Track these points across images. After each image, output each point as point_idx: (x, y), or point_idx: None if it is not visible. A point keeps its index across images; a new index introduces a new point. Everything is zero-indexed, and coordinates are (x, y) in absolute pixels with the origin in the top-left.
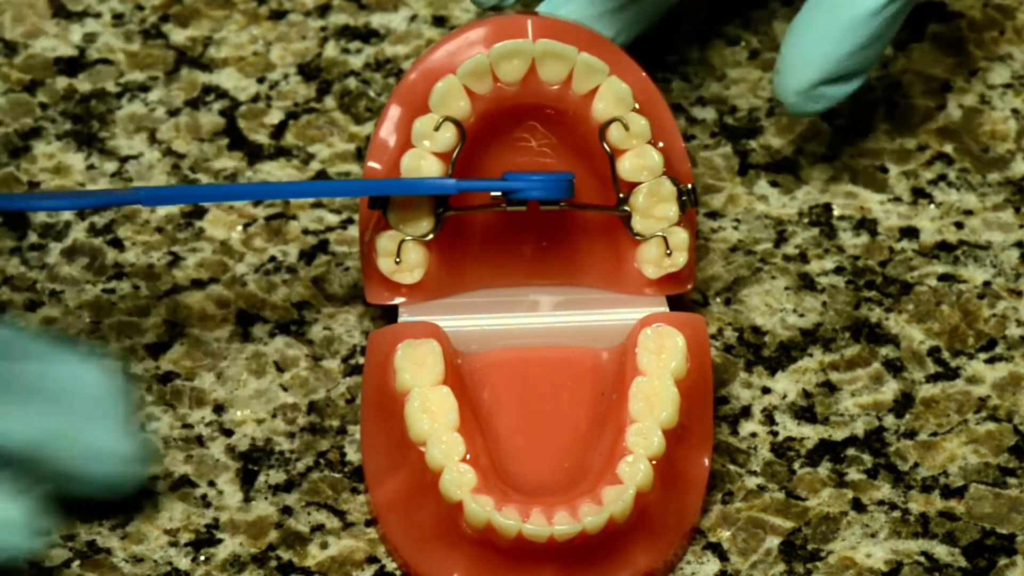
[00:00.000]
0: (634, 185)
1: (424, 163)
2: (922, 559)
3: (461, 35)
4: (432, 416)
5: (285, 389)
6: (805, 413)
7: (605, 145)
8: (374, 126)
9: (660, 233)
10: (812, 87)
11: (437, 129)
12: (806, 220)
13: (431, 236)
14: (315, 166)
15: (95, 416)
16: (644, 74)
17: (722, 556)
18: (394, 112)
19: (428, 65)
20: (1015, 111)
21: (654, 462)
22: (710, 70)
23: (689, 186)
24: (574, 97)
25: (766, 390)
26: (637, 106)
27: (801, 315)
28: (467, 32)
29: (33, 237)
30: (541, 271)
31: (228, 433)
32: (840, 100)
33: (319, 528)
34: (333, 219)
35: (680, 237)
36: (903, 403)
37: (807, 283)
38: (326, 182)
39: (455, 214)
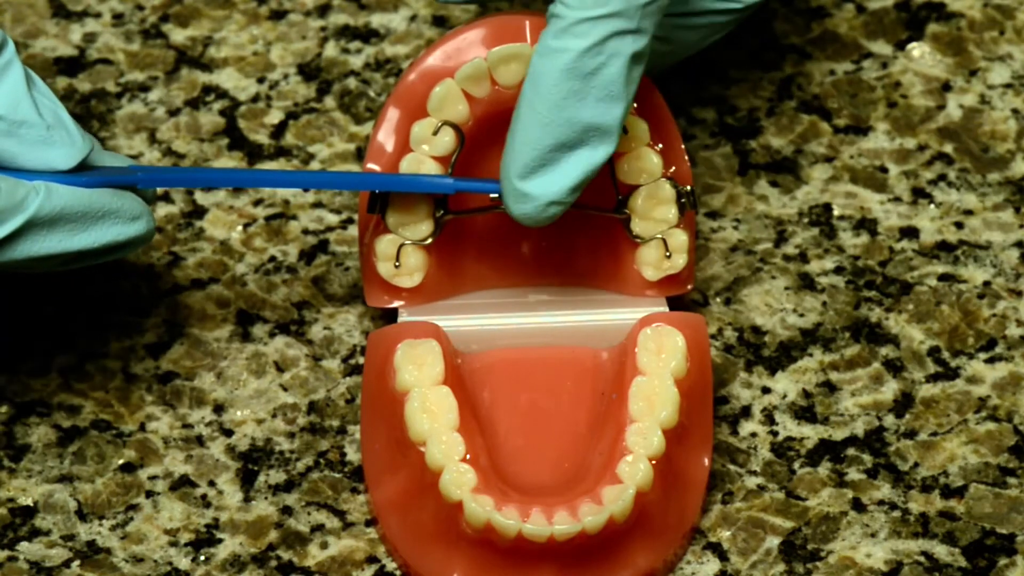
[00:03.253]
0: (633, 187)
1: (423, 167)
2: (922, 559)
3: (459, 35)
4: (432, 416)
5: (285, 389)
6: (805, 413)
7: None
8: (372, 128)
9: (659, 235)
10: (512, 185)
11: (435, 133)
12: (806, 220)
13: (430, 240)
14: (315, 166)
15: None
16: (648, 82)
17: (722, 556)
18: (392, 114)
19: (426, 67)
20: (1015, 111)
21: (654, 462)
22: (710, 70)
23: (688, 188)
24: None
25: (766, 390)
26: (635, 106)
27: (801, 315)
28: (464, 33)
29: None
30: (541, 271)
31: (228, 433)
32: (557, 200)
33: (319, 528)
34: (333, 219)
35: (679, 239)
36: (903, 403)
37: (807, 283)
38: (326, 172)
39: (454, 217)
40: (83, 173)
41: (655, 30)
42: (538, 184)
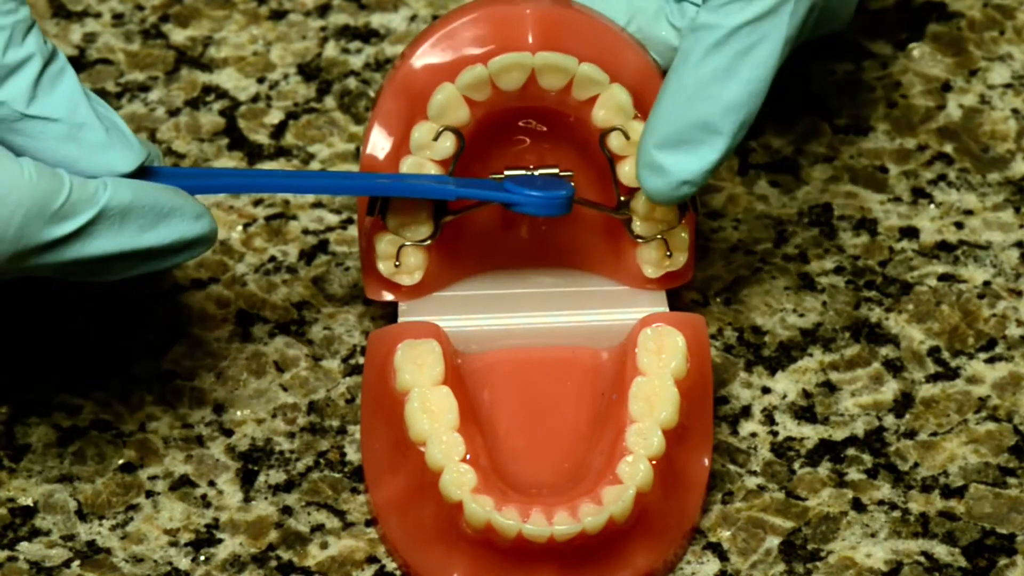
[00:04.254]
0: (635, 190)
1: (423, 171)
2: (922, 559)
3: (458, 20)
4: (432, 416)
5: (285, 389)
6: (805, 413)
7: (605, 151)
8: (370, 115)
9: (660, 236)
10: (648, 156)
11: (436, 139)
12: (806, 220)
13: (430, 241)
14: (315, 166)
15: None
16: (656, 71)
17: (722, 556)
18: (389, 105)
19: (423, 57)
20: (1015, 111)
21: (654, 462)
22: None
23: None
24: (574, 102)
25: (766, 390)
26: (638, 114)
27: (801, 315)
28: (464, 18)
29: None
30: (541, 254)
31: (228, 433)
32: (690, 180)
33: (319, 528)
34: (333, 219)
35: (680, 239)
36: (903, 403)
37: (807, 283)
38: (328, 176)
39: (454, 218)
40: None
41: (808, 12)
42: (675, 160)
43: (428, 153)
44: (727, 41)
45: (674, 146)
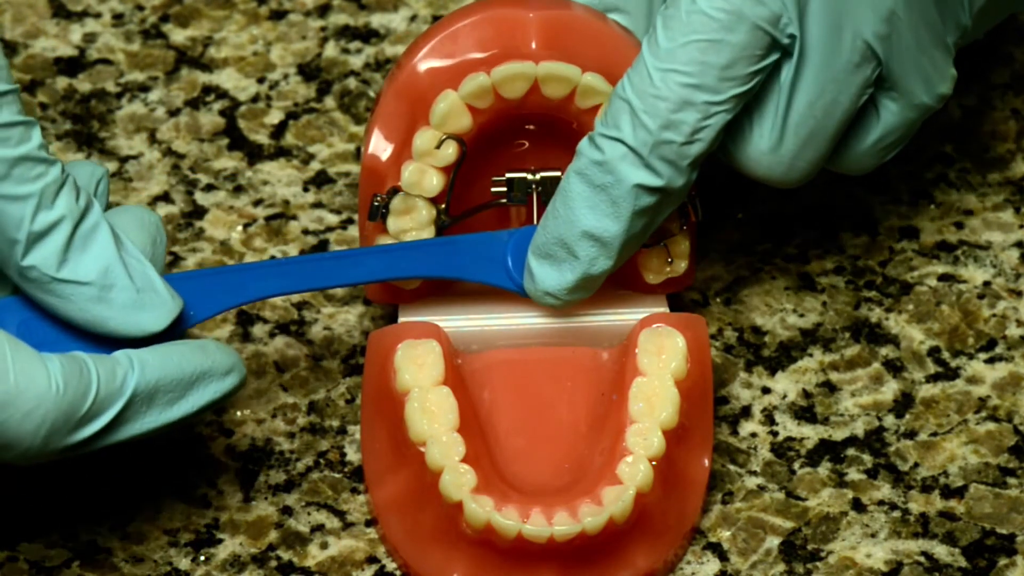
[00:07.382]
0: None
1: (425, 177)
2: (922, 559)
3: (460, 21)
4: (432, 416)
5: (285, 389)
6: (805, 413)
7: None
8: (370, 117)
9: (662, 243)
10: (529, 258)
11: (439, 147)
12: (806, 220)
13: None
14: (315, 166)
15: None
16: None
17: (722, 556)
18: (391, 106)
19: (425, 60)
20: (1015, 111)
21: (654, 463)
22: None
23: (691, 195)
24: (576, 110)
25: (766, 390)
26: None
27: (801, 315)
28: (466, 20)
29: None
30: None
31: (228, 433)
32: (552, 292)
33: (319, 528)
34: (333, 219)
35: (681, 246)
36: (903, 403)
37: (807, 283)
38: (338, 263)
39: (455, 224)
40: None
41: (685, 175)
42: (540, 269)
43: (430, 160)
44: (588, 171)
45: (543, 256)
